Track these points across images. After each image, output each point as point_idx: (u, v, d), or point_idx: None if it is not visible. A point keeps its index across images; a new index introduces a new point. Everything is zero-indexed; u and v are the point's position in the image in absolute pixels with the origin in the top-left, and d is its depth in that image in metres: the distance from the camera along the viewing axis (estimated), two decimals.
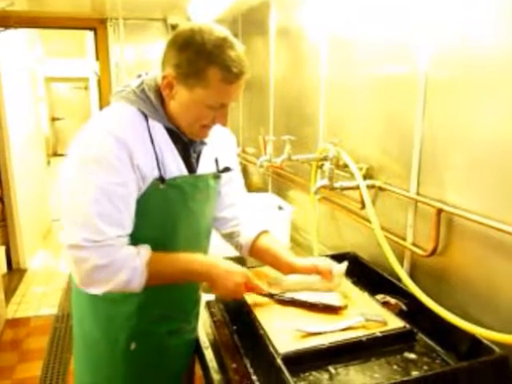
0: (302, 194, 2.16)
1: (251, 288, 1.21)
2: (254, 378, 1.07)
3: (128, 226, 1.08)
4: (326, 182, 1.54)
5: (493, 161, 1.07)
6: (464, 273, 1.20)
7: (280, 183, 2.53)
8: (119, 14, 3.64)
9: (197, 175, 1.20)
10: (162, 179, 1.11)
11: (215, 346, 1.28)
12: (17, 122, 4.12)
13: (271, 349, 1.02)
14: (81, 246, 1.01)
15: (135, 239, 1.11)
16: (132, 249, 1.08)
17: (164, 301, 1.24)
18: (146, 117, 1.12)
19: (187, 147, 1.19)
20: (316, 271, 1.26)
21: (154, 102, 1.13)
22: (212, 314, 1.40)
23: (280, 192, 2.53)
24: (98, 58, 4.03)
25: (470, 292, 1.17)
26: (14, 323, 3.20)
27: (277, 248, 1.33)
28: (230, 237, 1.42)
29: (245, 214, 1.40)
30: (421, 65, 1.29)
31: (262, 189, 2.89)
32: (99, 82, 4.12)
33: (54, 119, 10.96)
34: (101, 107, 4.18)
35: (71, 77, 10.53)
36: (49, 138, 10.21)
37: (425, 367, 1.02)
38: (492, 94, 1.06)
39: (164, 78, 1.08)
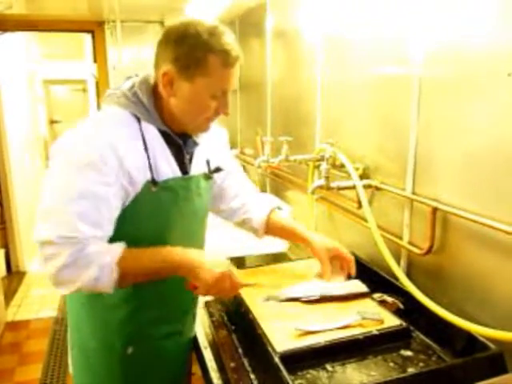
0: (300, 194, 2.17)
1: (235, 284, 1.17)
2: (252, 376, 1.08)
3: (107, 229, 1.06)
4: (322, 182, 1.55)
5: (487, 160, 1.08)
6: (459, 271, 1.21)
7: (278, 184, 2.54)
8: (117, 16, 3.66)
9: (189, 176, 1.20)
10: (154, 182, 1.10)
11: (214, 346, 1.29)
12: (15, 125, 4.12)
13: (269, 348, 1.03)
14: (54, 242, 0.99)
15: (128, 244, 1.09)
16: (102, 246, 1.04)
17: (159, 303, 1.23)
18: (138, 120, 1.12)
19: (181, 149, 1.19)
20: (335, 256, 1.33)
21: (147, 105, 1.12)
22: (210, 314, 1.41)
23: (278, 192, 2.54)
24: (95, 61, 4.04)
25: (466, 290, 1.19)
26: (13, 326, 3.20)
27: (290, 225, 1.40)
28: (242, 224, 1.45)
29: (250, 199, 1.44)
30: (415, 65, 1.30)
31: (260, 189, 2.90)
32: (97, 84, 4.13)
33: (52, 122, 10.95)
34: (99, 109, 4.19)
35: (69, 79, 10.52)
36: (47, 141, 10.20)
37: (421, 364, 1.03)
38: (485, 93, 1.07)
39: (164, 74, 1.08)
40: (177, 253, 1.11)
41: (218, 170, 1.31)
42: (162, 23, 3.94)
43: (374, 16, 1.52)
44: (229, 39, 1.07)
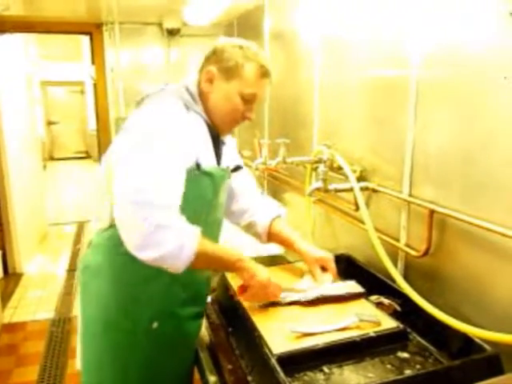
0: (298, 196, 2.18)
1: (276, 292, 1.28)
2: (249, 378, 1.08)
3: (179, 201, 1.14)
4: (320, 184, 1.56)
5: (483, 162, 1.09)
6: (456, 273, 1.21)
7: (275, 186, 2.54)
8: (115, 18, 3.66)
9: (224, 167, 1.35)
10: (198, 166, 1.21)
11: (211, 348, 1.29)
12: (12, 126, 4.11)
13: (266, 350, 1.03)
14: (147, 203, 1.07)
15: None
16: (187, 224, 1.13)
17: (188, 285, 1.30)
18: (188, 109, 1.25)
19: (217, 141, 1.32)
20: (321, 264, 1.40)
21: (195, 97, 1.27)
22: (208, 316, 1.41)
23: (275, 194, 2.55)
24: (93, 63, 4.03)
25: (462, 291, 1.19)
26: (10, 328, 3.19)
27: (288, 236, 1.48)
28: (248, 228, 1.53)
29: (255, 203, 1.53)
30: (412, 68, 1.31)
31: None
32: (95, 86, 4.12)
33: (50, 123, 10.95)
34: (96, 111, 4.19)
35: (67, 81, 10.52)
36: (45, 142, 10.19)
37: (418, 366, 1.03)
38: (482, 96, 1.08)
39: (208, 72, 1.25)
40: (241, 253, 1.25)
41: (237, 168, 1.45)
42: (160, 25, 3.93)
43: (371, 18, 1.52)
44: (265, 57, 1.28)
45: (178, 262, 1.10)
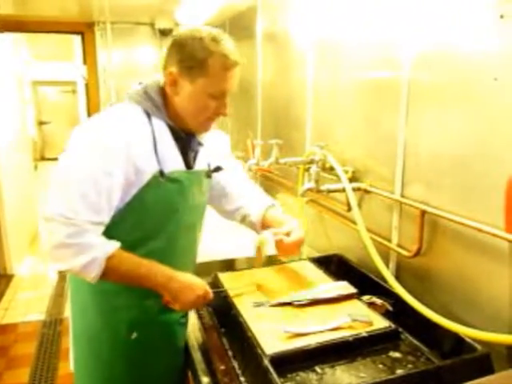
0: (290, 196, 2.18)
1: (208, 299, 1.24)
2: (242, 379, 1.08)
3: (105, 216, 1.13)
4: (312, 184, 1.56)
5: (473, 163, 1.10)
6: (447, 273, 1.22)
7: (268, 186, 2.54)
8: (107, 18, 3.65)
9: (193, 171, 1.28)
10: (161, 173, 1.17)
11: (204, 349, 1.29)
12: (3, 126, 4.08)
13: (259, 350, 1.03)
14: (53, 218, 1.07)
15: (131, 233, 1.19)
16: (100, 240, 1.12)
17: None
18: (148, 115, 1.20)
19: (185, 144, 1.26)
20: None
21: (157, 101, 1.21)
22: (201, 317, 1.40)
23: (268, 195, 2.54)
24: (85, 62, 4.01)
25: (453, 291, 1.20)
26: (0, 329, 3.16)
27: (281, 219, 1.44)
28: (242, 220, 1.51)
29: (248, 199, 1.50)
30: (404, 69, 1.31)
31: None
32: (87, 86, 4.10)
33: (41, 123, 10.86)
34: (88, 111, 4.16)
35: (59, 80, 10.44)
36: (36, 142, 10.11)
37: (409, 366, 1.04)
38: (473, 97, 1.09)
39: (169, 74, 1.17)
40: (161, 271, 1.18)
41: (217, 169, 1.38)
42: (152, 25, 3.92)
43: (363, 20, 1.53)
44: (229, 45, 1.17)
45: (88, 277, 1.11)
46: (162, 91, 1.23)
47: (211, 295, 1.24)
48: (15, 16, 3.68)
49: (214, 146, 1.40)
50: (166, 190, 1.20)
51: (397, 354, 1.08)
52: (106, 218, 1.14)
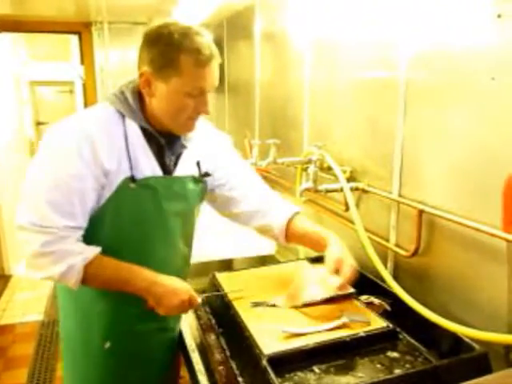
0: (288, 196, 2.18)
1: (194, 304, 1.20)
2: (240, 379, 1.08)
3: (80, 221, 1.10)
4: (310, 184, 1.56)
5: (471, 163, 1.09)
6: (445, 272, 1.22)
7: None
8: (104, 17, 3.64)
9: (172, 177, 1.22)
10: (132, 178, 1.13)
11: (202, 349, 1.29)
12: (0, 127, 4.07)
13: (257, 350, 1.03)
14: (25, 227, 1.05)
15: (108, 239, 1.15)
16: (78, 246, 1.10)
17: (140, 300, 1.19)
18: (123, 117, 1.15)
19: (163, 149, 1.20)
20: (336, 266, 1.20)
21: (131, 103, 1.16)
22: (198, 317, 1.40)
23: None
24: (82, 62, 4.01)
25: (451, 291, 1.20)
26: None
27: (311, 233, 1.29)
28: (263, 232, 1.39)
29: (267, 203, 1.36)
30: (401, 69, 1.31)
31: None
32: (84, 86, 4.09)
33: (38, 123, 10.83)
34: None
35: (56, 80, 10.42)
36: (34, 143, 10.09)
37: (407, 365, 1.04)
38: (470, 97, 1.09)
39: (141, 75, 1.11)
40: (142, 276, 1.14)
41: (206, 174, 1.30)
42: (149, 25, 3.92)
43: (361, 20, 1.53)
44: (202, 39, 1.09)
45: (68, 283, 1.09)
46: (139, 92, 1.17)
47: (198, 300, 1.20)
48: (13, 16, 3.67)
49: (209, 148, 1.33)
50: (137, 196, 1.15)
51: (395, 354, 1.08)
52: (83, 222, 1.11)
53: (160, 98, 1.12)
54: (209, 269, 1.52)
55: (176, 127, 1.18)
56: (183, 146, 1.25)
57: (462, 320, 1.10)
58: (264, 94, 2.52)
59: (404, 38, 1.30)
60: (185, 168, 1.25)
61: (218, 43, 3.34)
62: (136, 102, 1.17)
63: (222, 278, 1.42)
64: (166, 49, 1.07)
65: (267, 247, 1.97)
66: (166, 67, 1.08)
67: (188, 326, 1.41)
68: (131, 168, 1.13)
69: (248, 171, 1.43)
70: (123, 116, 1.15)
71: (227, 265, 1.85)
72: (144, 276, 1.14)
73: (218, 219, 1.54)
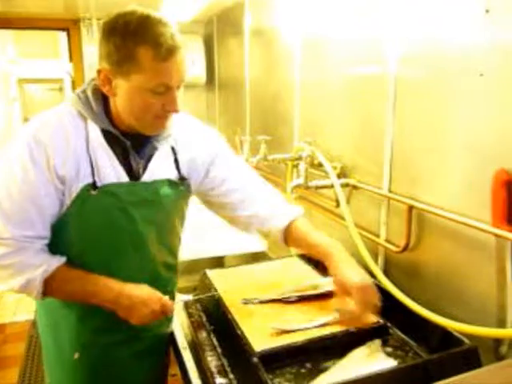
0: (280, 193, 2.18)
1: (168, 312, 1.15)
2: (231, 376, 1.08)
3: (41, 228, 1.05)
4: (301, 181, 1.56)
5: (460, 158, 1.10)
6: (435, 267, 1.23)
7: None
8: (92, 14, 3.60)
9: (139, 182, 1.13)
10: (94, 185, 1.06)
11: (193, 346, 1.28)
12: None
13: (248, 348, 1.03)
14: None
15: (73, 248, 1.11)
16: (38, 258, 1.05)
17: (104, 311, 1.12)
18: (85, 119, 1.08)
19: (128, 152, 1.11)
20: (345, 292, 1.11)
21: (92, 103, 1.08)
22: (190, 315, 1.40)
23: None
24: (71, 59, 3.97)
25: (441, 286, 1.21)
26: None
27: (314, 241, 1.22)
28: (264, 235, 1.35)
29: (264, 207, 1.29)
30: (391, 65, 1.31)
31: None
32: (73, 83, 4.05)
33: (27, 121, 10.73)
34: None
35: (45, 78, 10.32)
36: None
37: (398, 360, 1.04)
38: (459, 93, 1.09)
39: (99, 72, 1.02)
40: (108, 287, 1.09)
41: (182, 179, 1.21)
42: None
43: (351, 17, 1.53)
44: (163, 29, 0.97)
45: (30, 296, 1.06)
46: (98, 91, 1.08)
47: (171, 307, 1.15)
48: (0, 13, 3.62)
49: (194, 146, 1.23)
50: (100, 204, 1.08)
51: (385, 349, 1.09)
52: (42, 231, 1.06)
53: (122, 96, 1.03)
54: (200, 266, 1.52)
55: (143, 127, 1.08)
56: (154, 148, 1.14)
57: (452, 315, 1.11)
58: (254, 91, 2.51)
59: (393, 34, 1.30)
60: (158, 171, 1.15)
61: (208, 40, 3.33)
62: (98, 103, 1.08)
63: (213, 275, 1.42)
64: (122, 40, 0.96)
65: (258, 244, 1.97)
66: (123, 62, 0.97)
67: (179, 324, 1.40)
68: (93, 174, 1.06)
69: (247, 173, 1.33)
70: (85, 118, 1.07)
71: (218, 262, 1.84)
72: (110, 288, 1.09)
73: (208, 216, 1.54)
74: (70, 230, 1.10)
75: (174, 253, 1.31)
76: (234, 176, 1.29)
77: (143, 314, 1.09)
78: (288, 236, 1.27)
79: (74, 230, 1.10)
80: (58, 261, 1.08)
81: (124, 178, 1.11)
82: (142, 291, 1.11)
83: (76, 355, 1.19)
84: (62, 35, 4.39)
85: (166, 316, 1.17)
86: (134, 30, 0.96)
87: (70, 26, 3.85)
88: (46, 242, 1.08)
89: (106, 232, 1.12)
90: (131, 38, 0.96)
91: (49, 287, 1.05)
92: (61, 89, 10.46)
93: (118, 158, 1.10)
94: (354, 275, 1.09)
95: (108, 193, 1.08)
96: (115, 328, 1.20)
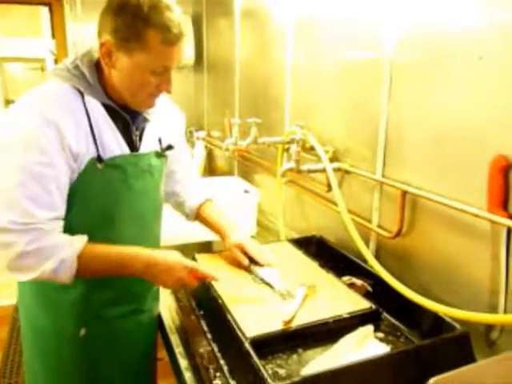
0: (269, 177, 2.15)
1: (199, 277, 1.18)
2: (221, 362, 1.06)
3: (61, 208, 1.04)
4: (292, 164, 1.53)
5: (455, 143, 1.09)
6: (427, 253, 1.22)
7: (246, 167, 2.51)
8: None
9: (139, 154, 1.17)
10: (99, 159, 1.07)
11: (182, 331, 1.26)
12: None
13: (239, 333, 1.01)
14: (8, 228, 0.96)
15: (76, 222, 1.08)
16: (65, 238, 1.04)
17: (112, 285, 1.18)
18: (82, 94, 1.07)
19: (128, 124, 1.15)
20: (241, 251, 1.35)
21: (89, 77, 1.08)
22: (178, 299, 1.38)
23: (246, 176, 2.51)
24: (54, 37, 3.85)
25: (433, 272, 1.20)
26: None
27: (214, 219, 1.42)
28: (176, 206, 1.48)
29: (191, 186, 1.45)
30: (386, 49, 1.29)
31: (228, 172, 2.86)
32: (56, 62, 3.94)
33: (8, 102, 10.47)
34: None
35: (26, 57, 10.04)
36: None
37: (390, 346, 1.04)
38: (456, 77, 1.07)
39: (102, 45, 1.03)
40: (137, 259, 1.10)
41: (169, 147, 1.27)
42: None
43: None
44: (172, 15, 1.01)
45: (61, 280, 1.03)
46: (97, 64, 1.10)
47: (200, 271, 1.17)
48: None
49: (166, 120, 1.28)
50: (106, 177, 1.09)
51: (377, 335, 1.08)
52: (63, 211, 1.05)
53: (121, 70, 1.05)
54: (189, 250, 1.49)
55: (135, 103, 1.12)
56: (145, 120, 1.19)
57: (444, 300, 1.11)
58: (245, 72, 2.46)
59: (389, 17, 1.27)
60: (149, 143, 1.20)
61: (197, 19, 3.25)
62: (95, 78, 1.09)
63: (202, 259, 1.40)
64: (133, 20, 0.99)
65: (247, 229, 1.95)
66: (130, 40, 1.00)
67: (167, 308, 1.38)
68: (97, 148, 1.07)
69: (187, 153, 1.49)
70: (81, 93, 1.07)
71: (207, 246, 1.82)
72: (139, 259, 1.10)
73: None
74: (74, 206, 1.08)
75: (159, 225, 1.35)
76: (182, 156, 1.41)
77: (167, 281, 1.13)
78: (197, 214, 1.44)
79: (77, 206, 1.08)
80: (83, 238, 1.07)
81: (126, 150, 1.14)
82: (167, 259, 1.13)
83: (82, 332, 1.18)
84: (44, 11, 4.26)
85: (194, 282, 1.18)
86: (147, 13, 0.99)
87: (51, 1, 3.73)
88: (62, 223, 1.06)
89: (108, 205, 1.13)
90: (142, 20, 0.99)
91: (78, 267, 1.03)
92: (43, 68, 10.20)
93: (119, 131, 1.13)
94: (237, 236, 1.37)
95: (113, 166, 1.10)
96: (123, 300, 1.23)
